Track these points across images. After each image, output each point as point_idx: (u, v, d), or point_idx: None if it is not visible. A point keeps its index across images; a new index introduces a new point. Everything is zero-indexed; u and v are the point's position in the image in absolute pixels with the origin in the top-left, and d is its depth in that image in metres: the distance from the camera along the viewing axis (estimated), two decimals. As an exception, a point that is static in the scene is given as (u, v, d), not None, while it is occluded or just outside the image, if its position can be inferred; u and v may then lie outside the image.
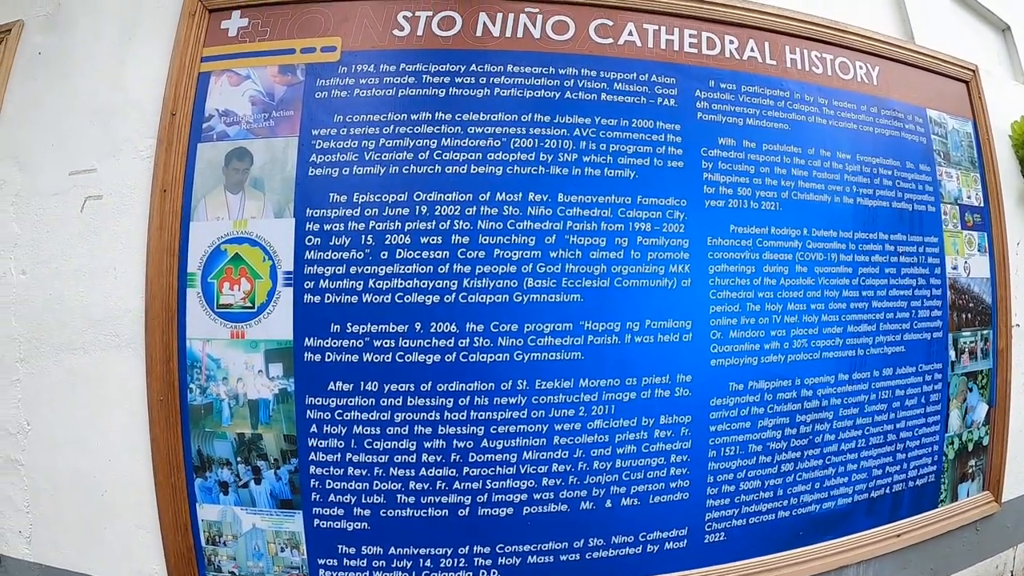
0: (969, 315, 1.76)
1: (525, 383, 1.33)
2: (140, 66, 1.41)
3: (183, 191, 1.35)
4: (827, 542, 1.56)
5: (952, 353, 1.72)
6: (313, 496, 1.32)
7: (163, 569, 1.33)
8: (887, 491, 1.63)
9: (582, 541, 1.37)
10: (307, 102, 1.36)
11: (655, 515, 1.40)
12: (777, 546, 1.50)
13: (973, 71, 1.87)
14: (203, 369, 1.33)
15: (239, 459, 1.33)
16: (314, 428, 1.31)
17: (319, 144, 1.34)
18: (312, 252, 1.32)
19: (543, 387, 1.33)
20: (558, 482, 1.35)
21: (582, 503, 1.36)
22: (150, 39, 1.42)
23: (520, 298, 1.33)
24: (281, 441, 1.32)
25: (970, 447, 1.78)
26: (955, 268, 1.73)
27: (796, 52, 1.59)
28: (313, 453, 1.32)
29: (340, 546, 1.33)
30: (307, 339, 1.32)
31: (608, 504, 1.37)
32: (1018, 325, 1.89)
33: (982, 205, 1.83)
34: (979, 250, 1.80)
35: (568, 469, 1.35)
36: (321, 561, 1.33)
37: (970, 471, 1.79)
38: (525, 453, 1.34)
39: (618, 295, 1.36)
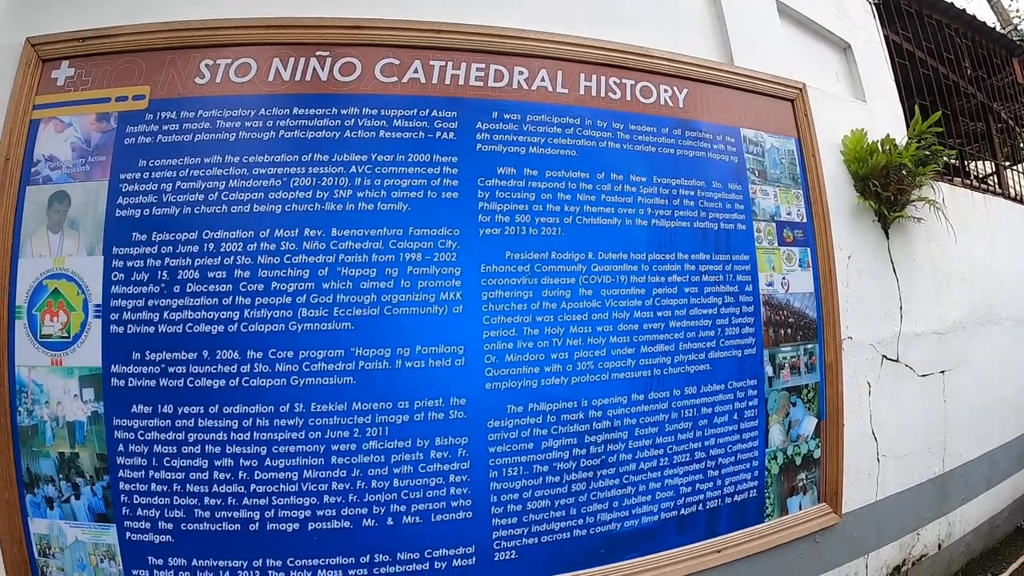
0: (789, 330, 1.53)
1: (301, 406, 1.21)
2: (-16, 113, 1.34)
3: (13, 230, 1.28)
4: (634, 560, 1.37)
5: (769, 369, 1.50)
6: (124, 511, 1.23)
7: (5, 581, 1.26)
8: (699, 508, 1.43)
9: (368, 557, 1.23)
10: (117, 148, 1.29)
11: (439, 533, 1.25)
12: (576, 564, 1.33)
13: (800, 89, 1.65)
14: (29, 393, 1.27)
15: (61, 476, 1.26)
16: (121, 448, 1.23)
17: (125, 187, 1.27)
18: (117, 287, 1.25)
19: (318, 409, 1.22)
20: (339, 499, 1.22)
21: (364, 520, 1.23)
22: (-8, 87, 1.35)
23: (295, 327, 1.22)
24: (95, 459, 1.24)
25: (798, 460, 1.54)
26: (771, 284, 1.51)
27: (592, 79, 1.42)
28: (121, 471, 1.23)
29: (150, 558, 1.23)
30: (113, 366, 1.24)
31: (390, 521, 1.23)
32: (850, 338, 1.64)
33: (804, 221, 1.59)
34: (800, 265, 1.57)
35: (347, 487, 1.22)
36: (135, 572, 1.24)
37: (800, 484, 1.55)
38: (305, 472, 1.22)
39: (388, 322, 1.23)
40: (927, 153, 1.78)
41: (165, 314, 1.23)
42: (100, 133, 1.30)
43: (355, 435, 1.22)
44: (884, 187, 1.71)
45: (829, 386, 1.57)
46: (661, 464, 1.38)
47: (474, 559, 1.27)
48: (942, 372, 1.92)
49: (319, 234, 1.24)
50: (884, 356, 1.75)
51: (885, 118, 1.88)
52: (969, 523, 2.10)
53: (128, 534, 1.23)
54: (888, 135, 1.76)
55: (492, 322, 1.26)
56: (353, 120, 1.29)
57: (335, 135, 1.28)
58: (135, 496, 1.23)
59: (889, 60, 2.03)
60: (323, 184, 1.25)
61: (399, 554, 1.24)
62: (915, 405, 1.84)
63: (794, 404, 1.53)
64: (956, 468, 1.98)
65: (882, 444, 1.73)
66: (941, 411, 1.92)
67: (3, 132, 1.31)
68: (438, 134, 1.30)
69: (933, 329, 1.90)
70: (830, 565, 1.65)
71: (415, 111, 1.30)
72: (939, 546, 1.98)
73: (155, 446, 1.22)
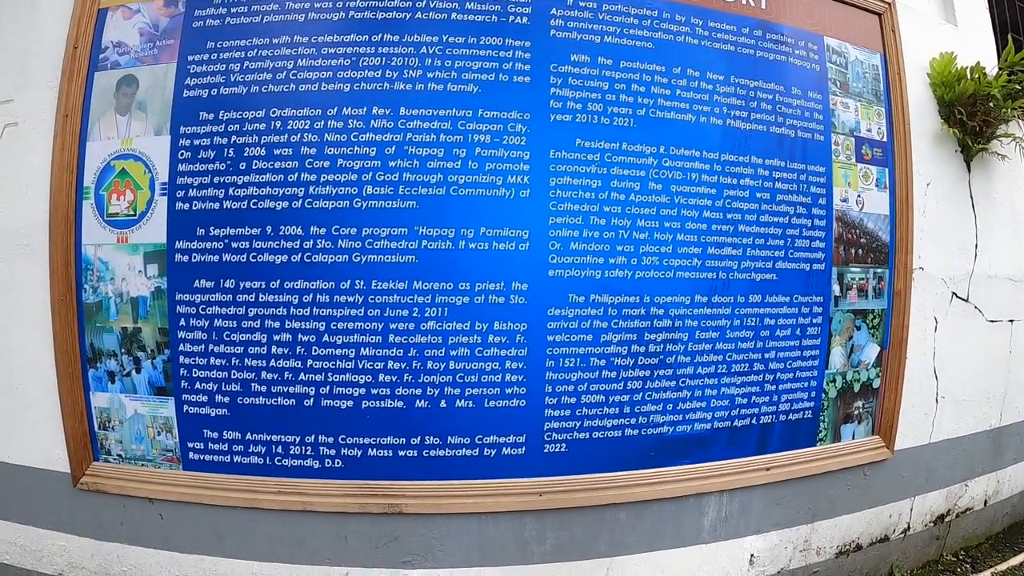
0: (860, 251, 1.44)
1: (362, 283, 1.20)
2: (52, 5, 1.34)
3: (82, 115, 1.30)
4: (683, 466, 1.33)
5: (836, 287, 1.42)
6: (182, 384, 1.26)
7: (65, 454, 1.29)
8: (753, 422, 1.37)
9: (419, 438, 1.23)
10: (186, 31, 1.28)
11: (491, 419, 1.23)
12: (626, 464, 1.29)
13: (889, 4, 1.52)
14: (95, 271, 1.29)
15: (123, 350, 1.28)
16: (183, 322, 1.25)
17: (193, 68, 1.26)
18: (184, 165, 1.25)
19: (379, 287, 1.20)
20: (394, 379, 1.21)
21: (417, 401, 1.22)
22: (61, -20, 1.33)
23: (359, 204, 1.20)
24: (156, 334, 1.26)
25: (856, 387, 1.47)
26: (845, 200, 1.42)
27: (671, -27, 1.33)
28: (182, 344, 1.25)
29: (205, 430, 1.26)
30: (178, 242, 1.25)
31: (443, 404, 1.22)
32: (921, 268, 1.55)
33: (885, 140, 1.48)
34: (877, 185, 1.47)
35: (403, 367, 1.21)
36: (190, 444, 1.27)
37: (856, 412, 1.48)
38: (362, 349, 1.21)
39: (453, 203, 1.19)
40: (1018, 87, 1.65)
41: (230, 190, 1.23)
42: (168, 18, 1.30)
43: (414, 315, 1.20)
44: (970, 116, 1.58)
45: (896, 315, 1.48)
46: (719, 371, 1.32)
47: (524, 449, 1.24)
48: (1011, 321, 1.80)
49: (387, 112, 1.20)
50: (954, 293, 1.64)
51: (975, 45, 1.74)
52: (1017, 485, 1.99)
53: (185, 407, 1.25)
54: (978, 63, 1.63)
55: (559, 208, 1.21)
56: (424, 2, 1.23)
57: (406, 16, 1.23)
58: (194, 370, 1.25)
59: (983, -14, 1.88)
60: (393, 64, 1.21)
61: (450, 438, 1.23)
62: (980, 350, 1.72)
63: (858, 328, 1.45)
64: (1013, 424, 1.87)
65: (943, 385, 1.63)
66: (1005, 362, 1.80)
67: (71, 22, 1.31)
68: (511, 18, 1.23)
69: (1007, 274, 1.77)
70: (875, 502, 1.58)
71: (489, -6, 1.25)
72: (985, 502, 1.88)
73: (216, 320, 1.23)
